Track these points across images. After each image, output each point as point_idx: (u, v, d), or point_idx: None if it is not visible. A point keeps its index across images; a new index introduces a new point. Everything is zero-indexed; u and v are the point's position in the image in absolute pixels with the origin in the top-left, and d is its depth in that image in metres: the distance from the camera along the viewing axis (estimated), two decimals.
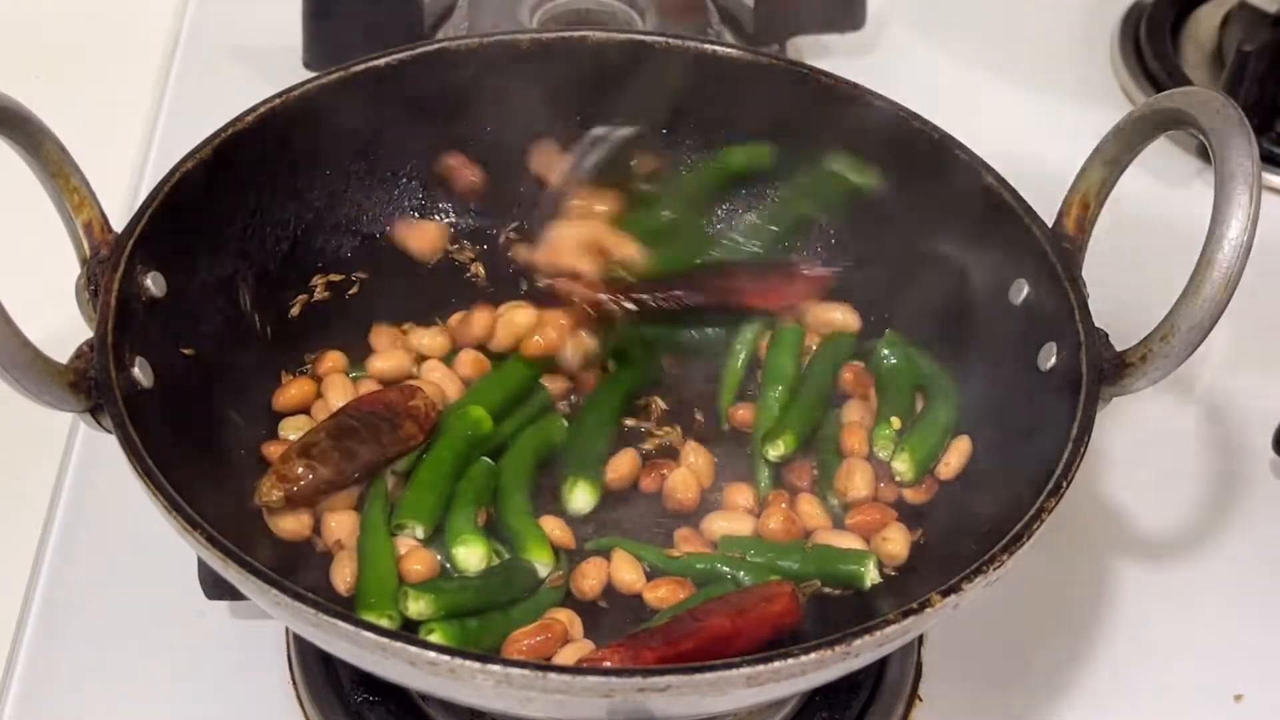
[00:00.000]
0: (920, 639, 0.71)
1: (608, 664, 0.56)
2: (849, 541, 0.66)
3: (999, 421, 0.67)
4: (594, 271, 0.70)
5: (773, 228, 0.77)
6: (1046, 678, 0.71)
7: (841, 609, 0.64)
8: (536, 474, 0.69)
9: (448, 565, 0.64)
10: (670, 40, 0.75)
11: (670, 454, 0.71)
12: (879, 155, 0.73)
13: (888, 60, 1.04)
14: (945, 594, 0.53)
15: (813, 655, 0.51)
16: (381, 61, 0.73)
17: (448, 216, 0.78)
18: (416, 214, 0.77)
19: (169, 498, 0.55)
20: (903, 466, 0.68)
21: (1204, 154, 0.95)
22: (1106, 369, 0.62)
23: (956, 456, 0.68)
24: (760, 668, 0.51)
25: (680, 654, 0.57)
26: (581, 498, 0.68)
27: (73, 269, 0.63)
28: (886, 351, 0.72)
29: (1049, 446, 0.60)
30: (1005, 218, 0.68)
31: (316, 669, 0.68)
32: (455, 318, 0.74)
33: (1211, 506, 0.79)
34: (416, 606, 0.61)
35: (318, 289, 0.74)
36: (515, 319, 0.72)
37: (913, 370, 0.71)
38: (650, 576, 0.65)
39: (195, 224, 0.67)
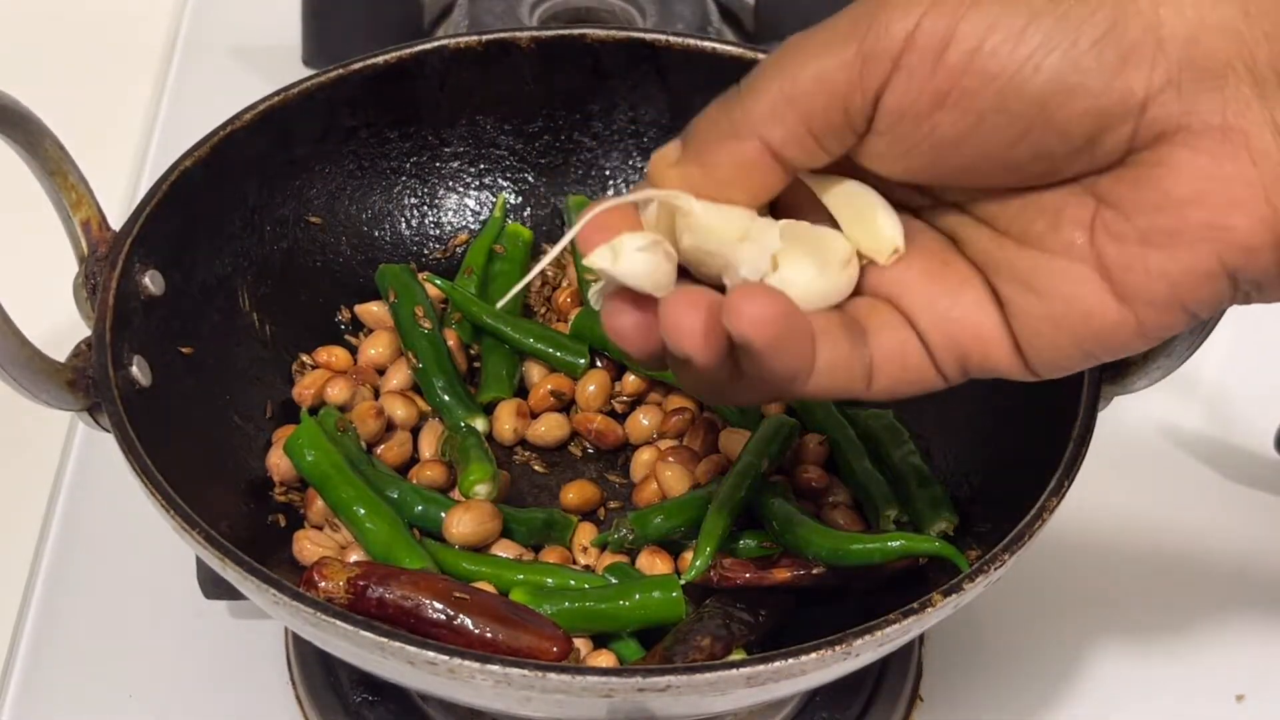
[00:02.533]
0: (921, 639, 0.71)
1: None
2: None
3: (999, 421, 0.67)
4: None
5: None
6: (1047, 678, 0.71)
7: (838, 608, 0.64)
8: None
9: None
10: (670, 39, 0.75)
11: None
12: None
13: None
14: (946, 594, 0.53)
15: (813, 655, 0.51)
16: (381, 59, 0.73)
17: (446, 216, 0.78)
18: (416, 212, 0.77)
19: (167, 497, 0.55)
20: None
21: None
22: (1108, 368, 0.62)
23: None
24: (760, 668, 0.51)
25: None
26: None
27: (71, 267, 0.63)
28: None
29: (1050, 446, 0.59)
30: None
31: (316, 669, 0.68)
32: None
33: (1212, 506, 0.79)
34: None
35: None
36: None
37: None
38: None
39: (194, 222, 0.67)
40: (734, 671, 0.51)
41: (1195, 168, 0.42)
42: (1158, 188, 0.43)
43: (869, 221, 0.48)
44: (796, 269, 0.47)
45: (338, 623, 0.51)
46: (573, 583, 0.63)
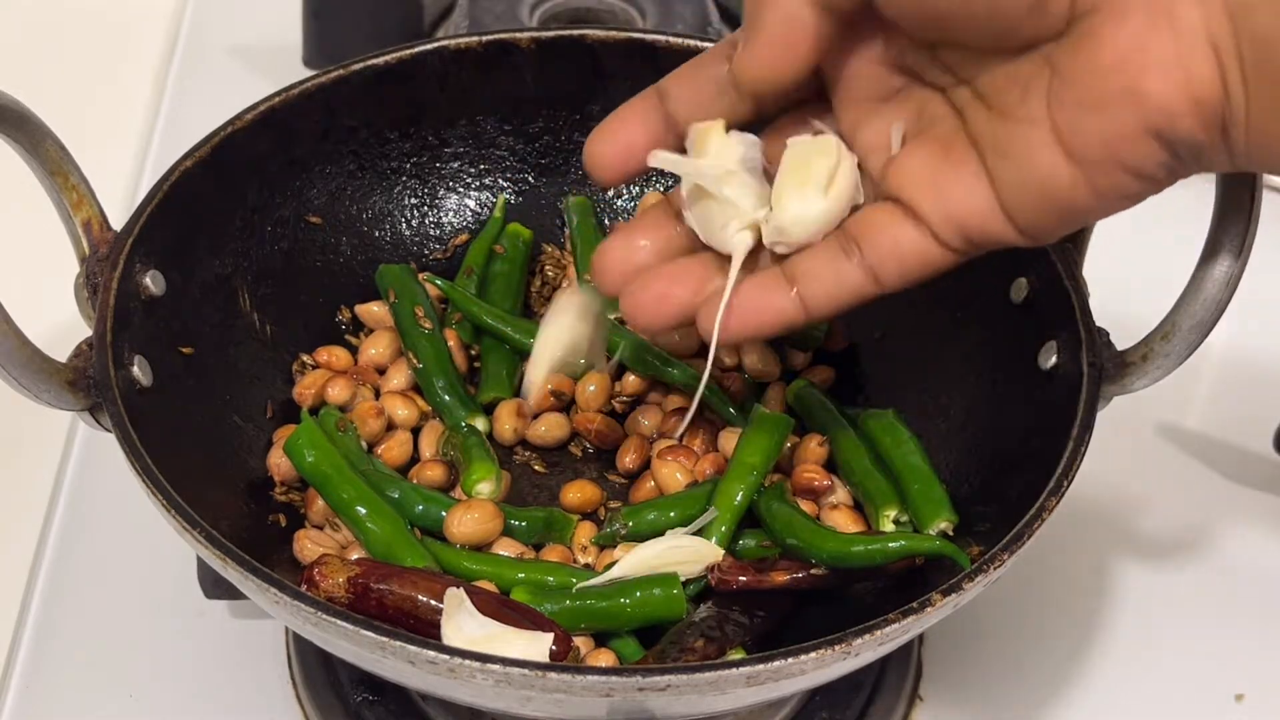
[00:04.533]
0: (920, 639, 0.71)
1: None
2: None
3: (999, 421, 0.67)
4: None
5: None
6: (1047, 678, 0.71)
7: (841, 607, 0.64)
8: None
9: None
10: (670, 39, 0.75)
11: None
12: None
13: None
14: (945, 593, 0.53)
15: (812, 655, 0.51)
16: (381, 60, 0.73)
17: (447, 216, 0.78)
18: (416, 212, 0.77)
19: (167, 496, 0.55)
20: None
21: None
22: (1107, 368, 0.62)
23: None
24: (760, 667, 0.51)
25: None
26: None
27: (71, 267, 0.63)
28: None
29: (1049, 446, 0.60)
30: None
31: (316, 668, 0.68)
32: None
33: (1212, 506, 0.79)
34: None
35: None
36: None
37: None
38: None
39: (194, 222, 0.67)
40: (734, 671, 0.51)
41: (1119, 38, 0.47)
42: (1089, 56, 0.48)
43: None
44: (786, 212, 0.54)
45: (338, 622, 0.51)
46: (574, 581, 0.63)
